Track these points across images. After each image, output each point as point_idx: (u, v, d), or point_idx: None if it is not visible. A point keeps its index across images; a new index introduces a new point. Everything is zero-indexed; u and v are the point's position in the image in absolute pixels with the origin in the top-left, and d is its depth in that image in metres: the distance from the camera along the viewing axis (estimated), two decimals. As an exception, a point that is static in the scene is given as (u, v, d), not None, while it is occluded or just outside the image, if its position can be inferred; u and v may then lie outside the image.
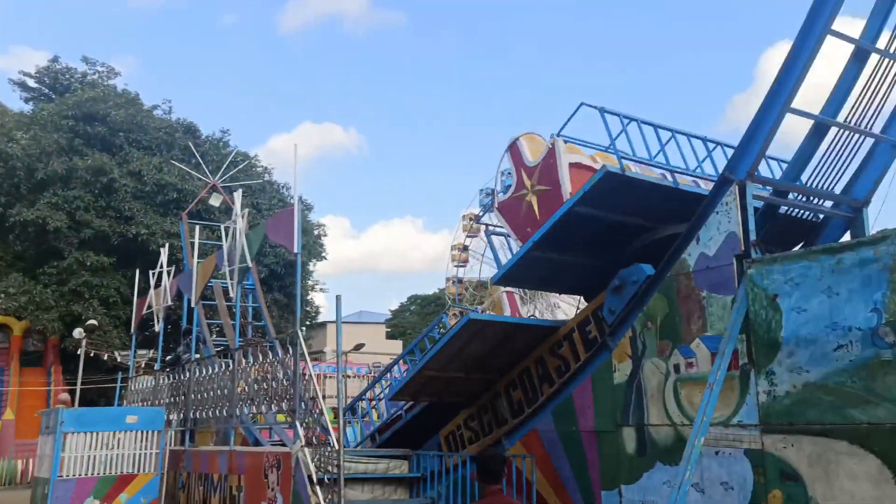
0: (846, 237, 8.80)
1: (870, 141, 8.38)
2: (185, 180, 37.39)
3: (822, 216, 8.88)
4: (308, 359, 9.44)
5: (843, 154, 8.32)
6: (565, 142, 9.90)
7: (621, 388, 8.84)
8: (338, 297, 9.12)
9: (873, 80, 8.00)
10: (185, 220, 22.54)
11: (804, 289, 7.02)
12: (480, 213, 65.87)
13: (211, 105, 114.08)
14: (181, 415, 12.94)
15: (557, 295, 19.94)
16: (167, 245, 18.73)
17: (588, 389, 9.27)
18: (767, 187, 8.56)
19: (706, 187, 9.26)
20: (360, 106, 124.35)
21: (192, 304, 13.01)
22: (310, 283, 46.55)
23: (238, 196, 11.44)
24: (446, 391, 11.42)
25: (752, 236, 7.70)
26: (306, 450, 9.00)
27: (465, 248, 64.01)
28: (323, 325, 55.02)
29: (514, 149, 10.59)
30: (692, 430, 7.14)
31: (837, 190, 8.59)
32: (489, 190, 67.20)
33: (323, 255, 48.03)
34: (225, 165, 28.98)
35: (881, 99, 8.09)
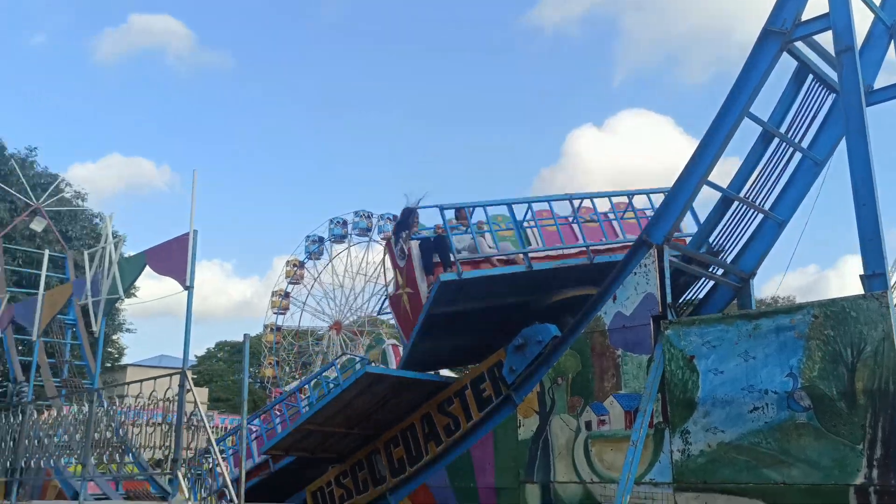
0: (732, 305, 9.46)
1: (761, 218, 9.11)
2: (-20, 200, 33.64)
3: (712, 283, 9.47)
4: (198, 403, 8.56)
5: (739, 227, 9.00)
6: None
7: (525, 443, 8.80)
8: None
9: (771, 161, 8.77)
10: (-2, 246, 20.20)
11: (721, 351, 7.39)
12: (304, 260, 64.49)
13: (11, 124, 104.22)
14: (7, 464, 11.23)
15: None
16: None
17: (489, 444, 9.15)
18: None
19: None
20: (175, 144, 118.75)
21: (34, 338, 11.47)
22: (117, 322, 43.13)
23: (109, 221, 10.36)
24: (321, 446, 10.85)
25: (668, 298, 8.05)
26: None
27: (287, 295, 62.49)
28: (125, 367, 51.01)
29: (389, 247, 10.96)
30: (618, 488, 7.21)
31: (729, 258, 9.24)
32: (315, 237, 65.89)
33: (134, 292, 44.83)
34: (48, 190, 26.39)
35: (774, 179, 8.88)
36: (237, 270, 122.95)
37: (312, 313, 63.92)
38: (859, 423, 6.50)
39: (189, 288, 8.81)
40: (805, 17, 7.75)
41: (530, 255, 9.69)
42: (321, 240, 60.18)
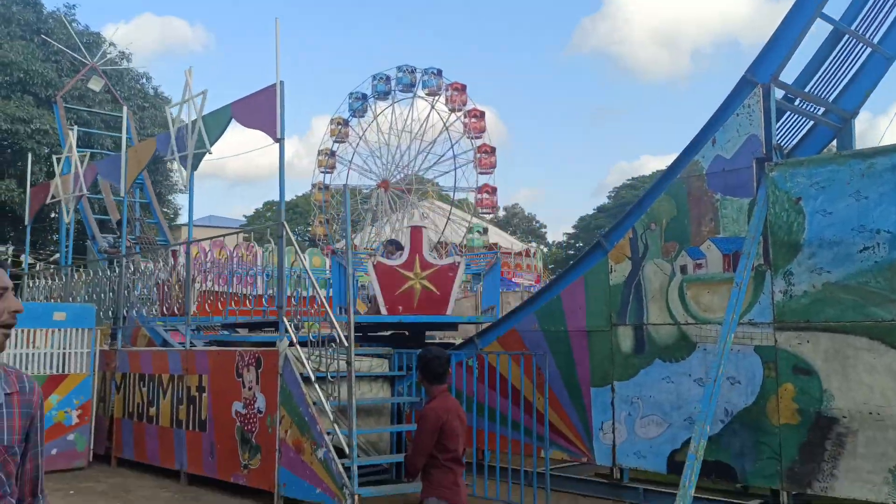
0: (832, 146, 9.17)
1: (868, 53, 8.62)
2: (30, 59, 33.56)
3: (809, 125, 9.13)
4: (300, 253, 8.77)
5: (844, 64, 8.55)
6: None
7: (617, 288, 8.89)
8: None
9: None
10: (60, 104, 20.29)
11: (831, 192, 7.22)
12: (349, 118, 64.00)
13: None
14: (108, 313, 11.82)
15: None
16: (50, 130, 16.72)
17: (579, 290, 9.25)
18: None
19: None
20: (208, 1, 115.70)
21: (122, 194, 11.71)
22: (171, 181, 43.80)
23: (190, 75, 10.23)
24: None
25: (773, 140, 7.81)
26: (298, 347, 8.45)
27: (332, 154, 62.46)
28: (180, 226, 52.39)
29: (416, 232, 10.71)
30: (722, 328, 7.28)
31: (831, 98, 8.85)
32: (358, 94, 64.91)
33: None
34: (101, 49, 26.08)
35: (887, 10, 8.33)
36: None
37: (359, 172, 64.00)
38: (979, 261, 6.39)
39: (280, 140, 8.81)
40: None
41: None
42: (364, 97, 59.31)
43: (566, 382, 9.26)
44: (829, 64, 8.50)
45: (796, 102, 8.63)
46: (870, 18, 8.35)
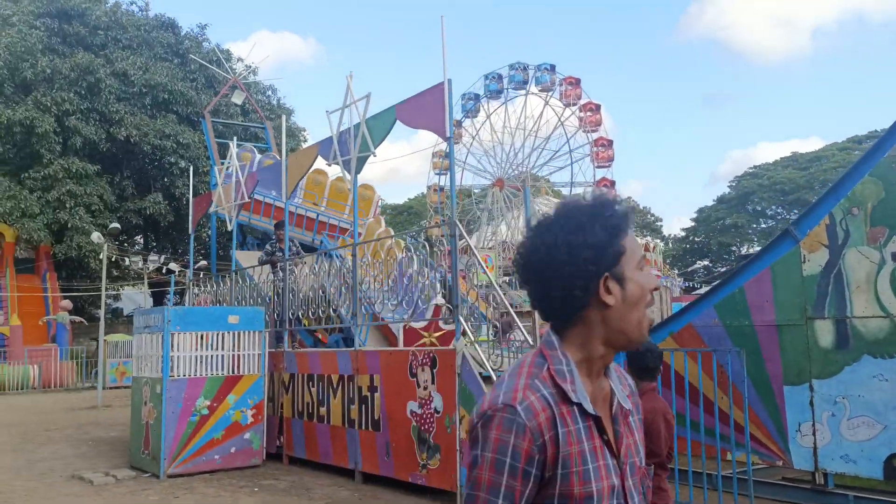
0: None
1: None
2: (173, 80, 35.41)
3: None
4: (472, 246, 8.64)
5: None
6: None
7: (813, 279, 8.27)
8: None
9: None
10: (208, 119, 21.16)
11: None
12: (462, 119, 64.25)
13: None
14: (274, 315, 12.11)
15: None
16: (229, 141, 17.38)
17: (766, 281, 8.68)
18: None
19: None
20: (320, 13, 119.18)
21: (284, 199, 11.96)
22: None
23: (350, 80, 10.31)
24: None
25: None
26: (476, 346, 8.32)
27: (447, 156, 62.98)
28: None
29: None
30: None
31: None
32: (471, 94, 65.07)
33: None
34: (244, 71, 27.09)
35: None
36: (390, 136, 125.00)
37: (474, 171, 64.27)
38: None
39: (449, 139, 8.71)
40: None
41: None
42: (477, 97, 59.46)
43: (754, 380, 8.71)
44: None
45: None
46: None
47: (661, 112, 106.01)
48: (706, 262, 70.45)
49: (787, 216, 63.40)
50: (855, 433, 7.85)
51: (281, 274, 11.91)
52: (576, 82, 57.56)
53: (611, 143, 56.15)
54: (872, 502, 7.90)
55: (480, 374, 8.20)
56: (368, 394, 9.73)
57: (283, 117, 14.76)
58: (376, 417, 9.59)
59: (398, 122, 9.55)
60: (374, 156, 9.87)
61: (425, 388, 8.80)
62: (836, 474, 8.12)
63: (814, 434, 8.18)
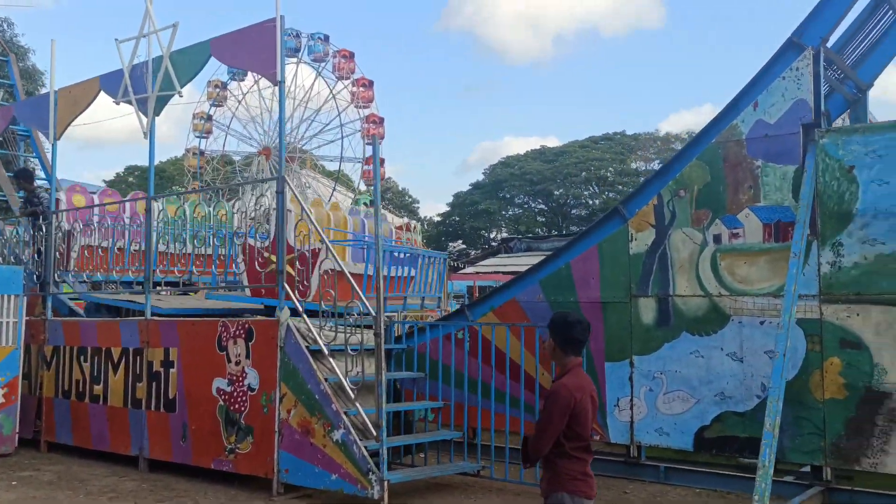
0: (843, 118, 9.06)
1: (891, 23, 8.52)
2: None
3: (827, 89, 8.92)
4: (306, 206, 7.65)
5: (873, 31, 8.42)
6: None
7: (639, 257, 8.42)
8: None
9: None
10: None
11: (889, 161, 7.01)
12: (227, 81, 60.80)
13: None
14: (34, 278, 10.14)
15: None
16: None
17: (593, 258, 8.72)
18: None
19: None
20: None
21: (51, 141, 9.98)
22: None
23: (150, 3, 8.77)
24: None
25: (822, 105, 7.54)
26: (305, 317, 7.42)
27: (209, 118, 59.07)
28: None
29: None
30: (784, 301, 6.95)
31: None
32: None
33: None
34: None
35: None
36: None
37: (238, 138, 61.15)
38: None
39: (280, 83, 7.68)
40: None
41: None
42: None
43: (547, 352, 8.71)
44: (860, 31, 8.33)
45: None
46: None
47: (422, 98, 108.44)
48: (460, 244, 73.32)
49: (533, 205, 67.73)
50: (670, 407, 8.12)
51: (43, 229, 10.00)
52: (349, 56, 56.67)
53: (382, 120, 56.14)
54: (683, 472, 8.26)
55: (308, 348, 7.34)
56: (161, 370, 8.41)
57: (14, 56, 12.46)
58: (171, 397, 8.32)
59: (213, 59, 8.30)
60: (181, 95, 8.51)
61: (237, 364, 7.75)
62: (649, 447, 8.38)
63: (631, 408, 8.36)
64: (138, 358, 8.63)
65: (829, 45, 8.21)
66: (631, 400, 8.35)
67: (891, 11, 8.25)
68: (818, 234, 7.33)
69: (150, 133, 8.87)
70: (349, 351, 7.13)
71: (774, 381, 6.65)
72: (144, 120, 8.78)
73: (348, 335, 7.15)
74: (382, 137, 56.16)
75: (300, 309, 7.42)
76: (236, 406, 7.75)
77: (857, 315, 7.13)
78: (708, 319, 7.95)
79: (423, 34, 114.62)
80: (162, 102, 8.70)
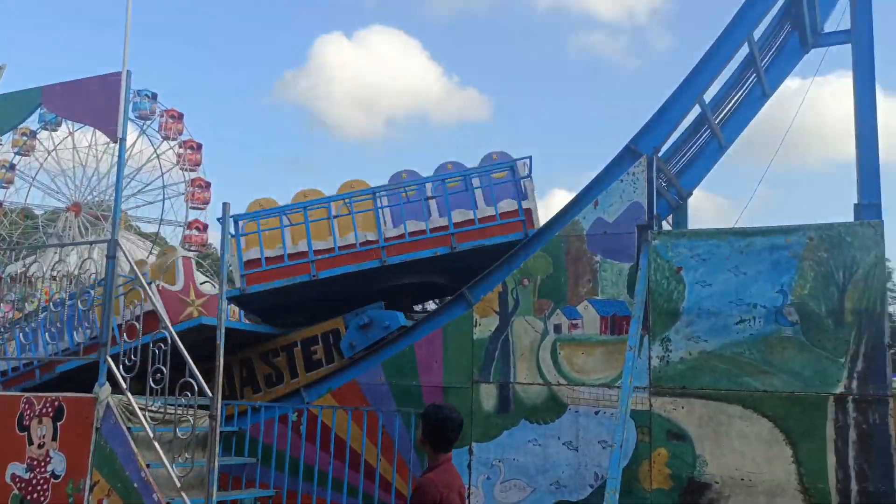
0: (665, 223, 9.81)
1: (707, 139, 9.44)
2: None
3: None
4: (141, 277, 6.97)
5: (693, 145, 9.28)
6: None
7: (482, 343, 8.49)
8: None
9: (739, 84, 9.08)
10: None
11: (711, 265, 7.61)
12: (37, 129, 56.91)
13: None
14: None
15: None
16: None
17: (437, 342, 8.69)
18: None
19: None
20: None
21: None
22: None
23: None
24: None
25: (655, 209, 8.09)
26: (130, 395, 6.71)
27: (12, 167, 54.46)
28: None
29: (187, 261, 10.25)
30: (621, 393, 7.22)
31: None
32: (54, 108, 58.16)
33: None
34: None
35: (733, 103, 9.25)
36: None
37: (45, 190, 56.87)
38: (843, 339, 7.08)
39: (122, 140, 7.15)
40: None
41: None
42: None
43: (415, 443, 8.55)
44: (685, 144, 9.14)
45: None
46: (722, 110, 9.18)
47: (250, 166, 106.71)
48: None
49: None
50: (507, 496, 8.10)
51: None
52: (178, 116, 54.93)
53: (209, 185, 54.47)
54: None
55: (130, 429, 6.65)
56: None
57: None
58: (-49, 484, 7.18)
59: (45, 109, 7.62)
60: (1, 143, 7.66)
61: (41, 446, 6.87)
62: (485, 537, 8.28)
63: (469, 497, 8.25)
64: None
65: (660, 154, 8.93)
66: (469, 488, 8.25)
67: (709, 130, 9.14)
68: (650, 330, 7.75)
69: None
70: (178, 434, 6.51)
71: (612, 472, 6.82)
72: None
73: (178, 416, 6.55)
74: (208, 202, 54.29)
75: (123, 386, 6.73)
76: (34, 496, 6.82)
77: (683, 408, 7.54)
78: (547, 408, 8.10)
79: (255, 103, 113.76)
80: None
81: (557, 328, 8.22)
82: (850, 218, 7.44)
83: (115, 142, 7.11)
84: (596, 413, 7.87)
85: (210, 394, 6.29)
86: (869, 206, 7.31)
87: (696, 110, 8.66)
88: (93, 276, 7.58)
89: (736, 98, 9.25)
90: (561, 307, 8.22)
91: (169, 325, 6.60)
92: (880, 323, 6.99)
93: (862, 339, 7.03)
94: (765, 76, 9.21)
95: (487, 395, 8.38)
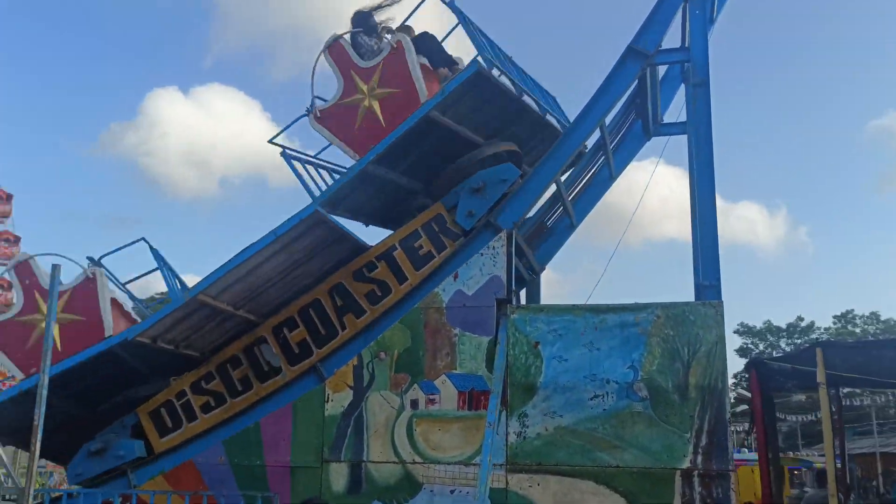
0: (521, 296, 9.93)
1: (559, 218, 9.74)
2: None
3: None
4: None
5: (548, 223, 9.54)
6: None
7: (334, 419, 8.08)
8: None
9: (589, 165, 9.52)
10: None
11: (567, 340, 7.73)
12: None
13: None
14: None
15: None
16: None
17: (286, 419, 8.17)
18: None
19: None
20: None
21: None
22: None
23: None
24: (192, 335, 8.47)
25: (514, 284, 8.15)
26: None
27: None
28: None
29: (336, 48, 8.70)
30: (481, 471, 7.04)
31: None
32: None
33: None
34: None
35: (584, 184, 9.66)
36: None
37: None
38: (688, 414, 7.36)
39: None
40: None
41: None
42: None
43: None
44: (542, 220, 9.38)
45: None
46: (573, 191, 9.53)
47: (72, 221, 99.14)
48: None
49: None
50: (356, 583, 7.64)
51: None
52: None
53: (18, 239, 50.60)
54: None
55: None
56: None
57: None
58: None
59: None
60: None
61: None
62: None
63: (314, 587, 7.70)
64: None
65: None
66: (315, 577, 7.71)
67: (562, 208, 9.44)
68: (507, 405, 7.70)
69: None
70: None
71: (470, 556, 6.58)
72: None
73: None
74: (11, 258, 49.95)
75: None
76: None
77: (539, 485, 7.49)
78: (400, 487, 7.79)
79: (75, 156, 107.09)
80: None
81: (414, 403, 8.00)
82: (671, 297, 7.84)
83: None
84: (452, 492, 7.66)
85: (20, 485, 5.47)
86: (709, 287, 7.74)
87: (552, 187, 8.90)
88: None
89: (587, 179, 9.65)
90: (418, 381, 8.02)
91: None
92: (722, 399, 7.33)
93: (705, 414, 7.33)
94: (613, 159, 9.68)
95: (338, 475, 7.95)
